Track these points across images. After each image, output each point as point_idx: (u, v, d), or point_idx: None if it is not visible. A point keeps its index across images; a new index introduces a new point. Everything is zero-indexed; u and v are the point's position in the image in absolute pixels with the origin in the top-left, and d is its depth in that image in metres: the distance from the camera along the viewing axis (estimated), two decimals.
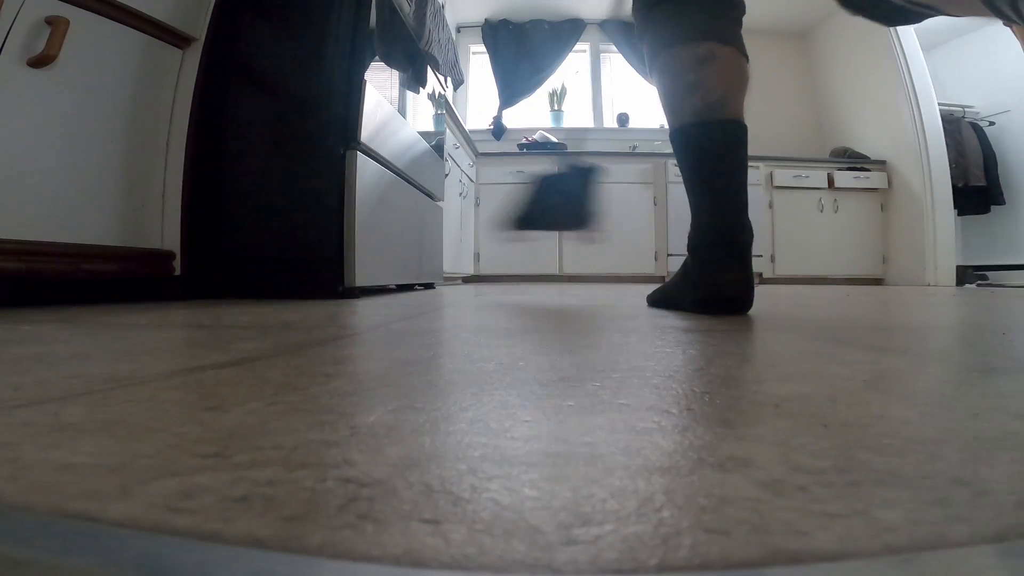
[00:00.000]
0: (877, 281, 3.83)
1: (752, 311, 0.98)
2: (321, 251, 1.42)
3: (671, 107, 0.99)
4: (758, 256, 3.71)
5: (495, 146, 4.17)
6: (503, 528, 0.16)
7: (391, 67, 1.75)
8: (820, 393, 0.33)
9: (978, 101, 3.97)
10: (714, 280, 0.92)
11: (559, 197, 1.46)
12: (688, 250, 1.01)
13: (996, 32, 3.62)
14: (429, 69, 2.21)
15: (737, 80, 0.96)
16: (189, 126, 1.37)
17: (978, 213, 3.87)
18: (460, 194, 3.14)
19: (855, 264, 3.81)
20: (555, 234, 3.66)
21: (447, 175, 2.65)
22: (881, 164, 3.82)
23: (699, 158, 0.97)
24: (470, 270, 3.56)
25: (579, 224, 1.48)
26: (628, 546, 0.15)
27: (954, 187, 3.56)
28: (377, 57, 1.59)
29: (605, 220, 1.53)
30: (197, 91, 1.38)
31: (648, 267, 3.69)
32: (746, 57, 0.99)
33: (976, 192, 3.78)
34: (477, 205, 3.67)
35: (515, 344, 0.56)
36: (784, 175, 3.78)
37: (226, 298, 1.40)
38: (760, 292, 2.15)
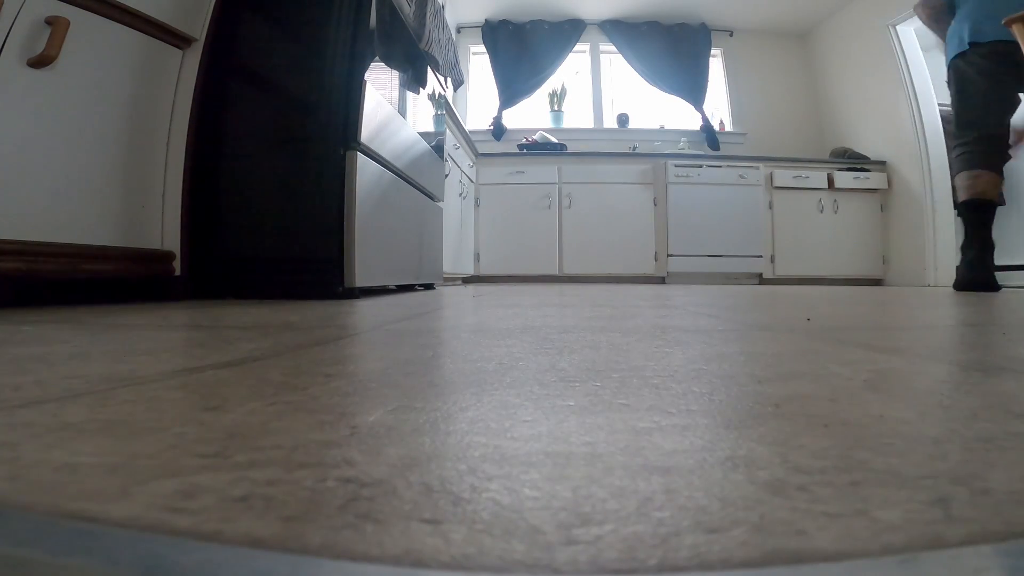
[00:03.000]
0: (877, 281, 3.82)
1: (752, 311, 0.98)
2: (321, 251, 1.42)
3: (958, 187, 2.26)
4: (757, 256, 3.72)
5: (495, 146, 4.17)
6: (503, 528, 0.16)
7: (391, 67, 1.75)
8: (820, 393, 0.33)
9: None
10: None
11: None
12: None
13: None
14: (429, 69, 2.21)
15: (986, 182, 2.18)
16: (189, 126, 1.37)
17: None
18: (460, 194, 3.14)
19: (855, 264, 3.80)
20: (556, 237, 3.68)
21: (447, 175, 2.65)
22: (881, 164, 3.82)
23: (963, 211, 2.25)
24: (470, 270, 3.56)
25: None
26: (628, 546, 0.15)
27: None
28: (377, 57, 1.59)
29: None
30: (197, 91, 1.38)
31: (648, 267, 3.69)
32: (1001, 177, 2.21)
33: None
34: (477, 206, 3.67)
35: (515, 344, 0.56)
36: (784, 175, 3.78)
37: (226, 298, 1.40)
38: (760, 292, 2.16)
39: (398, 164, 1.78)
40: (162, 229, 1.33)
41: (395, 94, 1.84)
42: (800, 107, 4.50)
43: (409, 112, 1.98)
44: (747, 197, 3.74)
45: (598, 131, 4.39)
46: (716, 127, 4.35)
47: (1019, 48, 2.06)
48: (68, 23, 1.06)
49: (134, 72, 1.24)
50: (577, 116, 4.46)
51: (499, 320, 0.85)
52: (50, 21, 1.03)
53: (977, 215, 2.23)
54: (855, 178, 3.79)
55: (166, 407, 0.30)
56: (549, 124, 4.33)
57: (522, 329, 0.71)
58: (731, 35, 4.51)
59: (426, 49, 2.00)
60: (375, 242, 1.58)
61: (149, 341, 0.58)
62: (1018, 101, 2.26)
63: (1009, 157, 2.25)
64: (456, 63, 2.53)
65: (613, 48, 4.42)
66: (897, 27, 3.58)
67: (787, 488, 0.18)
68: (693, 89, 4.32)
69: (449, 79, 2.61)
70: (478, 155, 3.69)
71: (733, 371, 0.42)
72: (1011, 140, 2.22)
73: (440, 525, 0.16)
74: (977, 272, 2.19)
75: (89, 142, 1.15)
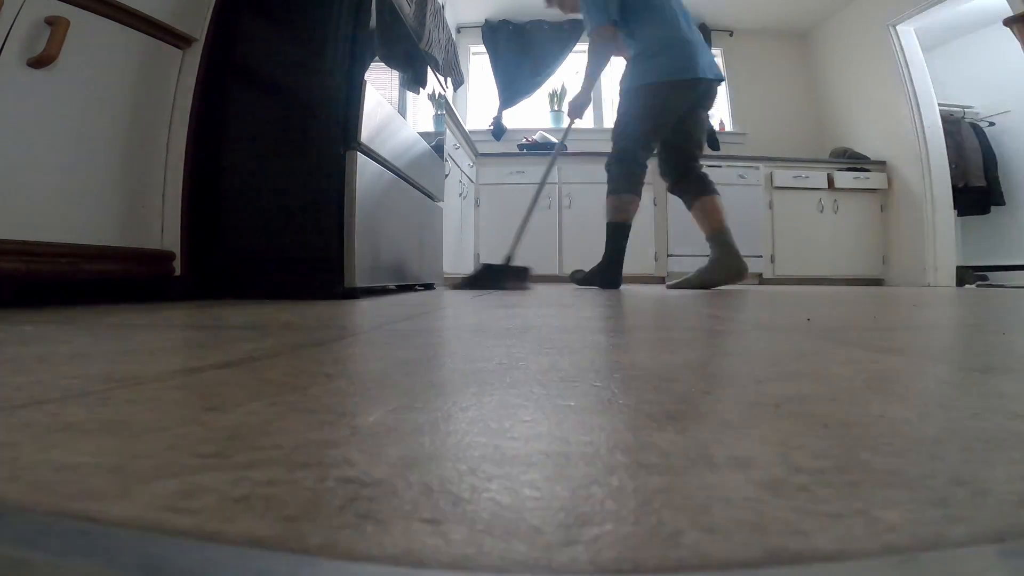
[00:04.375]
0: (877, 282, 3.82)
1: (752, 311, 0.98)
2: (321, 251, 1.42)
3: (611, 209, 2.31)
4: (757, 256, 3.71)
5: (495, 146, 4.17)
6: (503, 528, 0.16)
7: (391, 67, 1.75)
8: (820, 393, 0.33)
9: (978, 101, 3.97)
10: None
11: (493, 276, 2.35)
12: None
13: (996, 32, 3.62)
14: (429, 69, 2.21)
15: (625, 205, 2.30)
16: (189, 126, 1.37)
17: (978, 214, 3.87)
18: (460, 194, 3.14)
19: (855, 265, 3.80)
20: (556, 237, 3.68)
21: (447, 175, 2.65)
22: (881, 164, 3.82)
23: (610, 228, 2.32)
24: (470, 271, 3.56)
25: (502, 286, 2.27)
26: (628, 546, 0.15)
27: (954, 187, 3.55)
28: (377, 57, 1.59)
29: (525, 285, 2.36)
30: (197, 91, 1.38)
31: (648, 267, 3.69)
32: (639, 197, 2.34)
33: (976, 192, 3.78)
34: (477, 206, 3.67)
35: (515, 344, 0.56)
36: (784, 175, 3.78)
37: (226, 299, 1.40)
38: (760, 292, 2.15)
39: (398, 164, 1.78)
40: (162, 229, 1.33)
41: (395, 94, 1.84)
42: (800, 107, 4.50)
43: (409, 112, 1.98)
44: (747, 197, 3.74)
45: (598, 131, 4.38)
46: (716, 127, 4.35)
47: (691, 93, 2.19)
48: (68, 23, 1.05)
49: (134, 72, 1.24)
50: None
51: (499, 320, 0.85)
52: (50, 21, 1.03)
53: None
54: (855, 178, 3.79)
55: (166, 407, 0.30)
56: (549, 124, 4.32)
57: (522, 329, 0.71)
58: (731, 35, 4.51)
59: (426, 49, 2.00)
60: (375, 242, 1.58)
61: (149, 341, 0.58)
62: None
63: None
64: (456, 63, 2.53)
65: None
66: (897, 27, 3.58)
67: (787, 488, 0.18)
68: None
69: (449, 79, 2.61)
70: (478, 155, 3.69)
71: (733, 371, 0.42)
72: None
73: (440, 525, 0.16)
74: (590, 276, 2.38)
75: (89, 142, 1.15)
